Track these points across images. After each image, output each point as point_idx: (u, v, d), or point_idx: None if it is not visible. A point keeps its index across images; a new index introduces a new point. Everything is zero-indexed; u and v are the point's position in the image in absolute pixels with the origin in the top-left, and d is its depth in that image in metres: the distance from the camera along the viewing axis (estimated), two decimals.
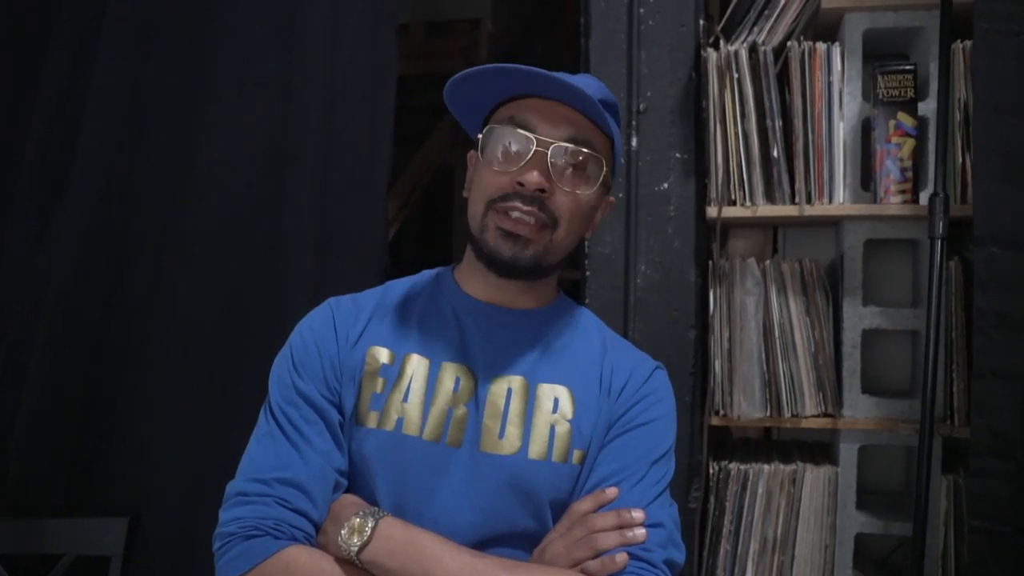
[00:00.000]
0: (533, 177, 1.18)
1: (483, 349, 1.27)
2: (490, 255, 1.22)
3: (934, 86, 2.03)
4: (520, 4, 4.14)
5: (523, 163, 1.19)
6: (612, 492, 1.18)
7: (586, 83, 1.25)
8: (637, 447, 1.23)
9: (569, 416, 1.24)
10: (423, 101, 4.06)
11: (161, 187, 2.25)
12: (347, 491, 1.24)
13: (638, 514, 1.16)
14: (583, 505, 1.19)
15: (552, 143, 1.19)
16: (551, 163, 1.19)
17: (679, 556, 1.19)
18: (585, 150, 1.21)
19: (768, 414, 2.10)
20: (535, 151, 1.19)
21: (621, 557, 1.12)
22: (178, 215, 2.24)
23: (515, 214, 1.19)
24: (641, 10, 2.16)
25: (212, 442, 2.13)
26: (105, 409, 2.22)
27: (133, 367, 2.22)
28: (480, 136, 1.25)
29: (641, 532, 1.14)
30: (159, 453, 2.17)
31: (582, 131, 1.22)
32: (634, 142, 2.14)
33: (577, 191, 1.22)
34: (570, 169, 1.22)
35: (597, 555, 1.13)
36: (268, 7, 2.24)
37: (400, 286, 1.37)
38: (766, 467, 2.09)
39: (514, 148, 1.20)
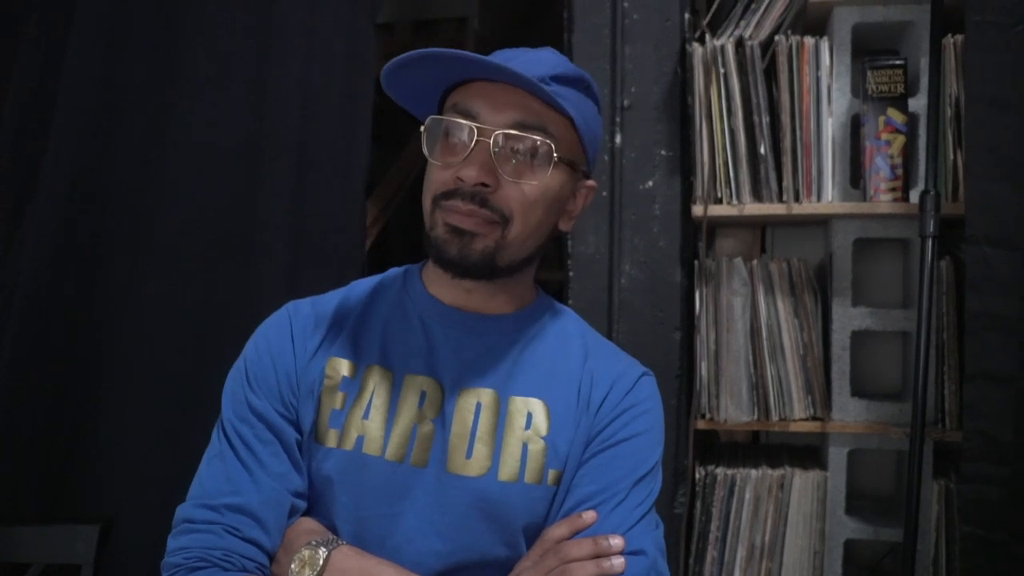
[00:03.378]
0: (471, 172, 1.04)
1: (452, 359, 1.14)
2: (438, 252, 1.08)
3: (925, 81, 1.93)
4: (507, 2, 4.02)
5: (466, 155, 1.05)
6: (589, 516, 1.06)
7: (540, 59, 1.11)
8: (618, 466, 1.10)
9: (543, 432, 1.11)
10: None
11: (133, 187, 2.14)
12: (307, 514, 1.13)
13: (616, 541, 1.03)
14: (557, 531, 1.06)
15: (494, 131, 1.05)
16: (494, 153, 1.05)
17: None
18: (533, 136, 1.06)
19: (755, 417, 2.00)
20: (477, 141, 1.05)
21: None
22: (150, 216, 2.13)
23: (455, 213, 1.06)
24: (625, 4, 2.05)
25: (185, 448, 1.99)
26: (76, 414, 2.11)
27: (105, 371, 2.11)
28: (422, 129, 1.11)
29: (619, 562, 1.02)
30: (131, 459, 2.06)
31: (532, 114, 1.07)
32: (618, 139, 2.03)
33: (525, 182, 1.07)
34: (517, 159, 1.07)
35: None
36: (242, 1, 2.12)
37: (364, 287, 1.24)
38: (754, 472, 1.99)
39: (454, 139, 1.07)
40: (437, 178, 1.08)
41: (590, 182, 1.20)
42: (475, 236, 1.06)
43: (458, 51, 1.03)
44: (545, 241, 1.16)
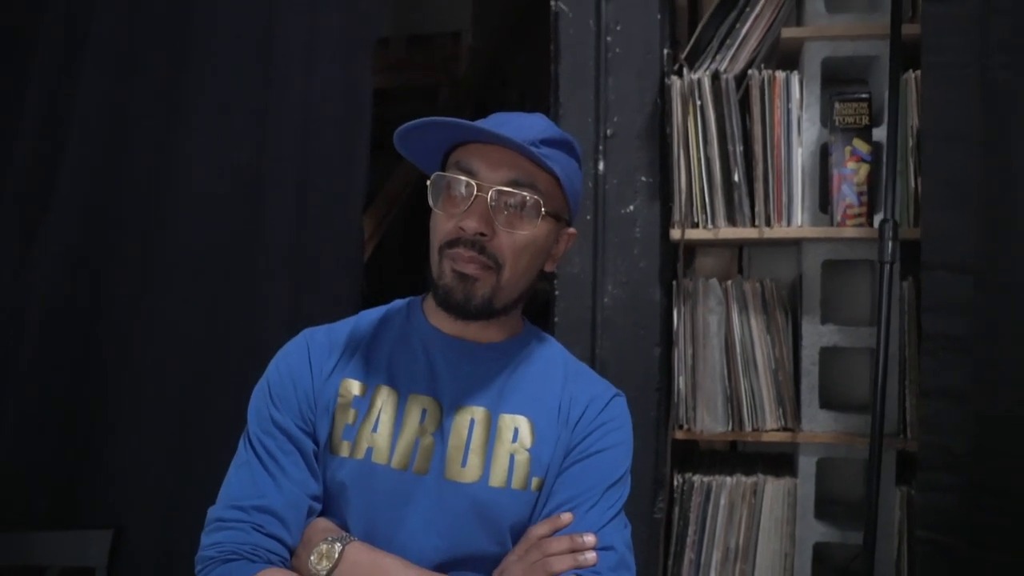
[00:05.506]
0: (471, 223, 1.26)
1: (450, 381, 1.35)
2: (445, 297, 1.30)
3: None
4: (500, 18, 4.21)
5: (466, 207, 1.27)
6: (567, 517, 1.27)
7: (530, 124, 1.33)
8: (592, 474, 1.32)
9: (528, 445, 1.32)
10: (404, 113, 4.16)
11: (142, 209, 2.33)
12: (323, 515, 1.33)
13: (590, 538, 1.25)
14: (540, 530, 1.28)
15: (490, 187, 1.27)
16: (491, 206, 1.27)
17: None
18: (524, 192, 1.28)
19: (730, 428, 2.20)
20: (476, 196, 1.27)
21: None
22: (158, 236, 2.32)
23: (460, 260, 1.27)
24: (608, 38, 2.24)
25: (192, 456, 2.21)
26: (89, 424, 2.30)
27: (115, 383, 2.30)
28: (428, 183, 1.32)
29: (592, 555, 1.24)
30: (141, 467, 2.25)
31: (524, 173, 1.29)
32: (601, 166, 2.22)
33: (516, 231, 1.29)
34: (509, 211, 1.28)
35: None
36: (246, 33, 2.33)
37: (372, 316, 1.45)
38: (728, 479, 2.19)
39: (456, 193, 1.29)
40: (441, 228, 1.30)
41: (571, 229, 1.42)
42: (476, 280, 1.28)
43: (460, 120, 1.25)
44: (533, 282, 1.39)
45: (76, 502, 2.28)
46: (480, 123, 1.30)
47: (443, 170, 1.34)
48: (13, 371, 2.31)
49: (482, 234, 1.27)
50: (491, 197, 1.27)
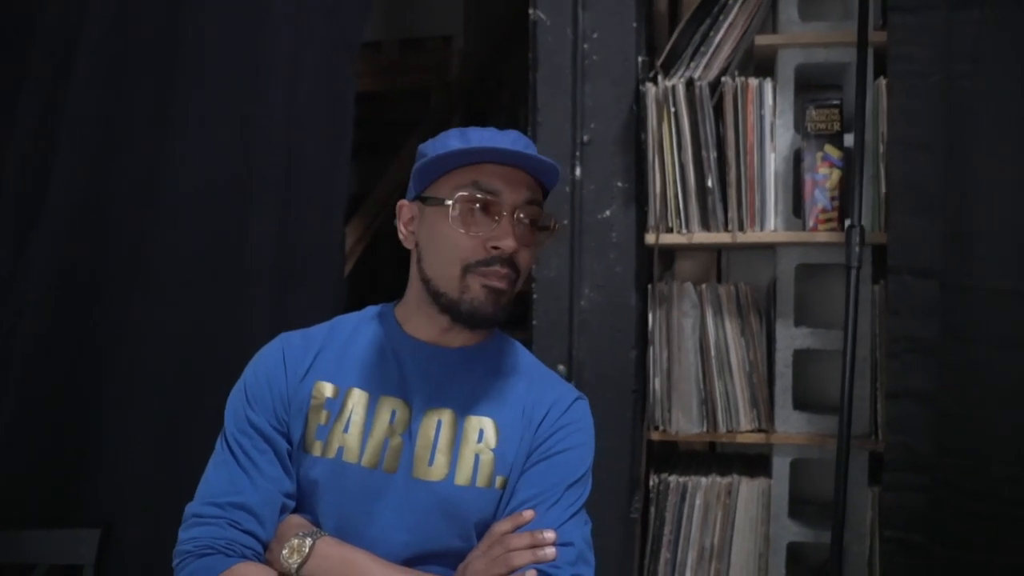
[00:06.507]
0: (511, 243, 1.35)
1: (419, 384, 1.43)
2: (471, 313, 1.37)
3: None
4: (491, 23, 4.29)
5: (495, 227, 1.35)
6: (528, 514, 1.35)
7: (523, 141, 1.42)
8: (553, 473, 1.40)
9: (493, 446, 1.41)
10: (396, 115, 4.25)
11: (130, 218, 2.40)
12: (296, 512, 1.42)
13: (550, 535, 1.33)
14: (502, 526, 1.36)
15: (517, 207, 1.37)
16: (515, 225, 1.37)
17: (587, 572, 1.36)
18: (539, 208, 1.40)
19: (705, 429, 2.27)
20: (506, 215, 1.36)
21: (531, 574, 1.29)
22: (147, 241, 2.39)
23: (495, 276, 1.36)
24: (585, 45, 2.31)
25: (180, 455, 2.27)
26: (78, 424, 2.37)
27: (106, 386, 2.37)
28: (449, 201, 1.36)
29: (551, 551, 1.32)
30: (130, 467, 2.32)
31: (534, 191, 1.40)
32: (578, 171, 2.30)
33: (532, 245, 1.41)
34: (528, 227, 1.39)
35: (511, 572, 1.30)
36: (233, 46, 2.40)
37: (346, 322, 1.53)
38: (704, 480, 2.26)
39: (486, 213, 1.37)
40: (466, 246, 1.36)
41: None
42: (504, 293, 1.38)
43: (515, 151, 1.35)
44: None
45: (65, 500, 2.35)
46: (476, 141, 1.39)
47: (433, 187, 1.41)
48: (5, 372, 2.38)
49: (515, 251, 1.37)
50: (518, 217, 1.37)
